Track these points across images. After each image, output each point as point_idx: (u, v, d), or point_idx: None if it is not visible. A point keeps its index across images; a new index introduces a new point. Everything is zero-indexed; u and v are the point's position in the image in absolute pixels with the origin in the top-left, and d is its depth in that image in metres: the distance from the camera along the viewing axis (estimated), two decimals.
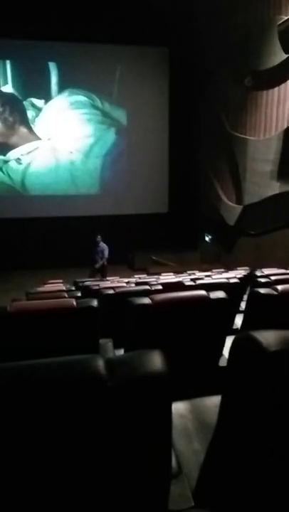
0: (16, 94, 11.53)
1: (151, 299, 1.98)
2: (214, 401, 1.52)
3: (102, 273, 9.07)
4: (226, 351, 2.23)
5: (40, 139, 11.81)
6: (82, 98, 12.07)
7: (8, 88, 11.52)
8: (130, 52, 12.03)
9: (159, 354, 0.79)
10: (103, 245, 9.33)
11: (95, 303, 2.00)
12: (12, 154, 11.67)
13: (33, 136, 11.77)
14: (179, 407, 1.48)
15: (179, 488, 1.03)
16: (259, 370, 0.77)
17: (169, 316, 2.01)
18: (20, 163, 11.72)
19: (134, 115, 12.45)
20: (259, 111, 9.56)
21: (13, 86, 11.50)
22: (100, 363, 0.73)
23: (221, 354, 2.19)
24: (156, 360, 0.78)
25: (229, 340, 2.25)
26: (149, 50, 12.17)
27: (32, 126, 11.78)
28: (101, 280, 6.69)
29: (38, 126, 11.79)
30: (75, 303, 1.98)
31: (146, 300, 2.00)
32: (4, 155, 11.69)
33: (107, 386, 0.71)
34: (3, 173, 11.75)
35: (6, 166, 11.72)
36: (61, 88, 11.88)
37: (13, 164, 11.75)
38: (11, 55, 11.21)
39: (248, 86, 9.74)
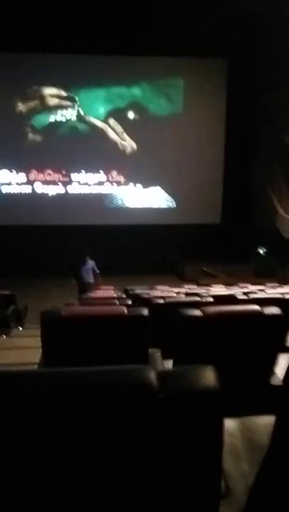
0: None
1: (202, 311, 1.96)
2: (265, 421, 1.46)
3: (86, 290, 8.23)
4: (278, 369, 2.15)
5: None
6: (140, 109, 12.35)
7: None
8: (188, 64, 12.13)
9: (212, 370, 0.78)
10: (92, 262, 8.90)
11: (145, 312, 2.01)
12: None
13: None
14: (227, 425, 1.44)
15: (228, 508, 1.00)
16: None
17: (220, 329, 1.97)
18: None
19: (190, 124, 12.48)
20: None
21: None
22: (153, 375, 0.73)
23: (272, 372, 2.11)
24: (209, 376, 0.77)
25: (282, 358, 2.16)
26: (207, 61, 12.20)
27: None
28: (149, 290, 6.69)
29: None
30: (126, 311, 2.00)
31: (197, 312, 1.98)
32: None
33: (158, 398, 0.71)
34: None
35: None
36: (125, 98, 12.26)
37: None
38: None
39: None
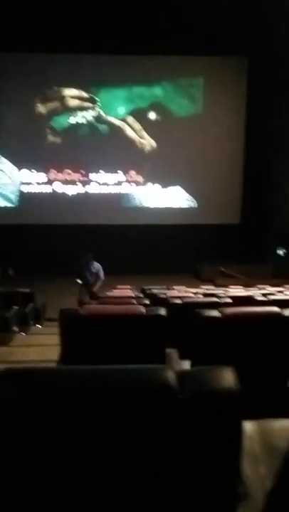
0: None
1: (220, 312, 1.95)
2: (283, 424, 1.44)
3: (91, 295, 7.66)
4: None
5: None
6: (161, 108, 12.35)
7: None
8: (209, 62, 12.06)
9: (232, 371, 0.78)
10: (98, 265, 7.97)
11: (163, 312, 2.01)
12: None
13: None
14: (245, 428, 1.43)
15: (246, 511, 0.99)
16: None
17: (238, 331, 1.96)
18: None
19: (210, 123, 12.40)
20: None
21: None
22: (172, 375, 0.73)
23: None
24: (228, 377, 0.77)
25: None
26: (227, 59, 12.12)
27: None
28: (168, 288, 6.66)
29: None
30: (144, 310, 2.01)
31: (216, 313, 1.97)
32: None
33: (177, 398, 0.71)
34: None
35: None
36: (146, 98, 12.28)
37: None
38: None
39: None
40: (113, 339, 2.03)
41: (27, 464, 0.75)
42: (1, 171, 12.31)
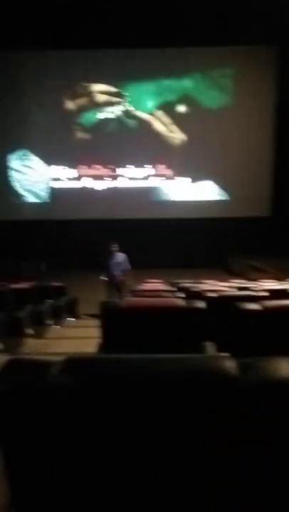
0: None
1: (260, 304, 1.94)
2: None
3: (119, 288, 7.37)
4: None
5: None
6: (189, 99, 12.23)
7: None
8: (239, 52, 11.82)
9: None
10: (121, 255, 7.62)
11: (203, 304, 2.02)
12: None
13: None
14: None
15: None
16: None
17: (278, 323, 1.95)
18: None
19: (241, 115, 12.19)
20: None
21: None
22: (233, 364, 0.75)
23: None
24: (286, 368, 0.77)
25: None
26: (258, 49, 11.84)
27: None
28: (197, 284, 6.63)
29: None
30: (183, 303, 2.02)
31: (255, 306, 1.97)
32: None
33: (239, 387, 0.72)
34: None
35: None
36: (175, 91, 12.17)
37: None
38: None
39: None
40: (152, 331, 2.06)
41: (90, 450, 0.78)
42: (31, 168, 12.55)
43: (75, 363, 0.82)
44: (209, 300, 3.01)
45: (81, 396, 0.75)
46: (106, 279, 7.59)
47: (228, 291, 3.80)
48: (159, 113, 12.28)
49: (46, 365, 0.78)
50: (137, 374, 0.76)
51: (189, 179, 12.57)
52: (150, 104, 12.30)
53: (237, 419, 0.73)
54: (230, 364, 0.74)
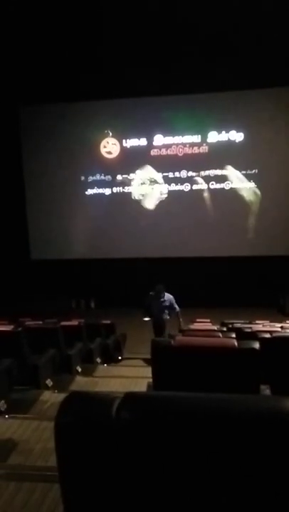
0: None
1: None
2: None
3: (162, 330, 6.91)
4: None
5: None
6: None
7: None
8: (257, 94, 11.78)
9: None
10: (169, 297, 7.04)
11: (257, 345, 1.97)
12: None
13: None
14: None
15: None
16: None
17: None
18: None
19: (269, 150, 12.02)
20: None
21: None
22: None
23: None
24: None
25: None
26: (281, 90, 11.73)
27: None
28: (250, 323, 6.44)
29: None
30: (236, 343, 1.98)
31: None
32: None
33: None
34: None
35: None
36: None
37: None
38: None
39: None
40: (204, 372, 2.02)
41: (146, 484, 0.78)
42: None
43: (136, 399, 0.83)
44: (263, 341, 2.92)
45: (142, 432, 0.76)
46: (148, 319, 7.18)
47: (282, 332, 3.66)
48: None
49: (109, 399, 0.80)
50: (196, 411, 0.76)
51: None
52: None
53: None
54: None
